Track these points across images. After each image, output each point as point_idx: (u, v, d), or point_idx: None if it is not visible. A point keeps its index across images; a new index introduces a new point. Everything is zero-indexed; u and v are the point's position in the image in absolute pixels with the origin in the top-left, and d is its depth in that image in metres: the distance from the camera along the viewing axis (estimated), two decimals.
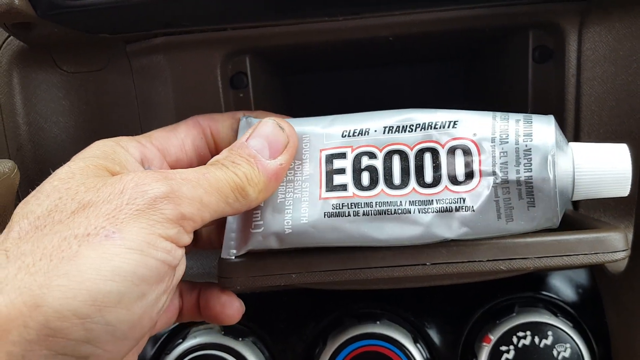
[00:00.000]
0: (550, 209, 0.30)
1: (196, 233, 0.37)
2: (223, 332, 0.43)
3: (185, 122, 0.36)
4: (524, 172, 0.30)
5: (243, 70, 0.45)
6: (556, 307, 0.43)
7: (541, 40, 0.44)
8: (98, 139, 0.33)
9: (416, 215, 0.31)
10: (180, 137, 0.35)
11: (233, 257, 0.34)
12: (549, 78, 0.44)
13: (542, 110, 0.45)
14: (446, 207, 0.31)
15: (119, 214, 0.25)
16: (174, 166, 0.35)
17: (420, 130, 0.32)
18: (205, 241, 0.38)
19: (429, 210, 0.31)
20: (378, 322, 0.42)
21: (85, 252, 0.24)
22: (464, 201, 0.31)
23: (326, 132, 0.34)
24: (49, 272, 0.23)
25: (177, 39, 0.42)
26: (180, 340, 0.42)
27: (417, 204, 0.31)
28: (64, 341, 0.23)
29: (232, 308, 0.35)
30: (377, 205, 0.32)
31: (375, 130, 0.33)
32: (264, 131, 0.33)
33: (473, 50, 0.54)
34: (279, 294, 0.45)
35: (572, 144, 0.32)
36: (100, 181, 0.27)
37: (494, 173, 0.31)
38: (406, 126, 0.33)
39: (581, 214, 0.43)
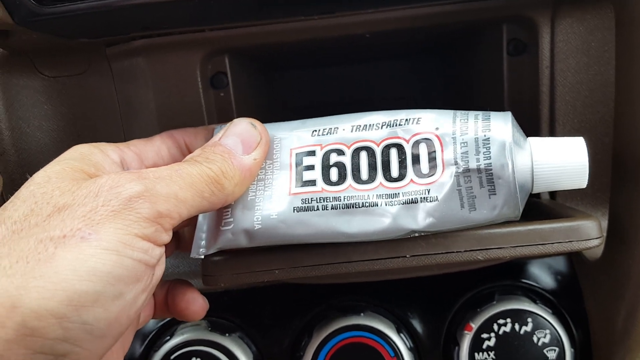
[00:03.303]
0: (511, 196, 0.31)
1: (177, 234, 0.38)
2: (210, 329, 0.43)
3: (160, 135, 0.37)
4: (484, 160, 0.31)
5: (222, 70, 0.45)
6: (536, 295, 0.44)
7: (515, 34, 0.45)
8: (81, 142, 0.33)
9: (383, 208, 0.32)
10: (156, 145, 0.36)
11: (202, 256, 0.34)
12: (524, 70, 0.45)
13: (517, 102, 0.46)
14: (411, 198, 0.32)
15: (94, 215, 0.26)
16: None
17: (386, 127, 0.33)
18: (187, 242, 0.39)
19: (395, 202, 0.32)
20: (362, 314, 0.43)
21: (61, 254, 0.24)
22: (428, 192, 0.32)
23: (297, 133, 0.35)
24: (25, 274, 0.24)
25: (156, 41, 0.42)
26: (168, 337, 0.43)
27: (383, 197, 0.32)
28: (41, 340, 0.23)
29: (196, 305, 0.36)
30: (345, 199, 0.32)
31: (344, 129, 0.34)
32: (237, 129, 0.33)
33: (449, 45, 0.55)
34: (264, 289, 0.45)
35: (530, 138, 0.33)
36: (76, 184, 0.28)
37: (455, 163, 0.32)
38: (372, 124, 0.34)
39: (557, 203, 0.44)
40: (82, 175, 0.29)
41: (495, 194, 0.31)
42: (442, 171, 0.32)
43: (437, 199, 0.32)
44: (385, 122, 0.34)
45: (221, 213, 0.34)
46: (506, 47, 0.45)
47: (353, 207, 0.32)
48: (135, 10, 0.35)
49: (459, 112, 0.33)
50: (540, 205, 0.42)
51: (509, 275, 0.45)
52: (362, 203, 0.32)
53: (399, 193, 0.32)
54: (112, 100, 0.45)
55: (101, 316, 0.25)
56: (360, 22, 0.42)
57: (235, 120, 0.34)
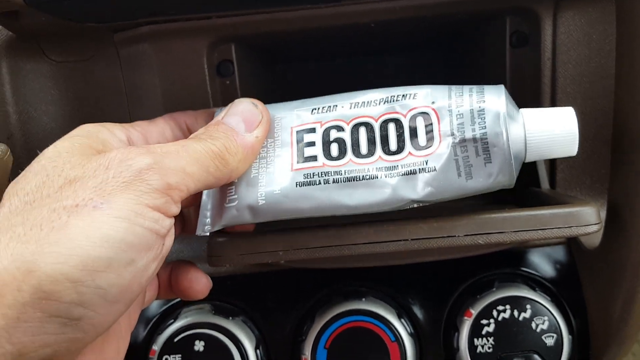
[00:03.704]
0: (506, 163, 0.32)
1: (182, 217, 0.38)
2: (214, 312, 0.44)
3: (162, 117, 0.37)
4: (479, 129, 0.32)
5: (229, 58, 0.46)
6: (535, 282, 0.45)
7: (518, 26, 0.46)
8: None
9: (383, 180, 0.33)
10: (160, 126, 0.36)
11: (207, 233, 0.35)
12: (526, 62, 0.46)
13: (520, 93, 0.47)
14: (410, 169, 0.33)
15: (105, 186, 0.26)
16: None
17: (384, 103, 0.35)
18: (192, 224, 0.39)
19: (395, 174, 0.33)
20: (364, 299, 0.43)
21: (75, 222, 0.25)
22: (426, 163, 0.33)
23: (297, 112, 0.36)
24: (40, 240, 0.24)
25: (163, 28, 0.43)
26: (172, 321, 0.44)
27: (383, 170, 0.33)
28: (56, 303, 0.24)
29: (199, 283, 0.36)
30: (346, 173, 0.33)
31: (343, 107, 0.35)
32: (239, 109, 0.34)
33: (453, 37, 0.55)
34: (267, 274, 0.46)
35: (522, 110, 0.34)
36: (86, 158, 0.28)
37: (452, 134, 0.33)
38: (370, 101, 0.35)
39: (557, 192, 0.45)
40: (91, 151, 0.30)
41: (490, 162, 0.32)
42: (440, 142, 0.33)
43: (435, 169, 0.33)
44: (383, 99, 0.35)
45: (225, 191, 0.35)
46: (509, 38, 0.46)
47: (354, 180, 0.33)
48: None
49: (454, 87, 0.34)
50: (541, 195, 0.42)
51: (508, 263, 0.46)
52: (363, 176, 0.33)
53: (397, 165, 0.33)
54: (118, 86, 0.46)
55: (114, 281, 0.25)
56: (366, 10, 0.42)
57: (237, 100, 0.35)
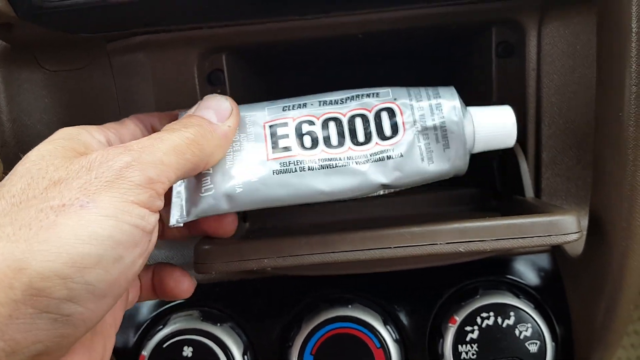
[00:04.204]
0: (461, 148, 0.37)
1: (162, 222, 0.38)
2: (202, 318, 0.44)
3: (129, 118, 0.38)
4: (439, 119, 0.36)
5: (220, 68, 0.47)
6: (519, 290, 0.45)
7: (504, 37, 0.46)
8: None
9: (354, 167, 0.36)
10: (130, 127, 0.37)
11: (182, 224, 0.35)
12: (512, 72, 0.47)
13: (505, 102, 0.47)
14: (379, 157, 0.36)
15: (89, 186, 0.27)
16: None
17: (350, 101, 0.38)
18: (172, 230, 0.40)
19: (364, 161, 0.36)
20: (350, 306, 0.44)
21: (63, 221, 0.26)
22: (393, 150, 0.36)
23: (268, 109, 0.38)
24: (29, 239, 0.25)
25: (156, 38, 0.43)
26: (161, 327, 0.44)
27: (354, 158, 0.36)
28: (47, 300, 0.25)
29: (184, 282, 0.37)
30: (320, 161, 0.36)
31: (312, 104, 0.38)
32: (209, 103, 0.35)
33: (442, 47, 0.56)
34: (255, 281, 0.46)
35: (469, 108, 0.38)
36: (68, 160, 0.29)
37: (414, 123, 0.36)
38: (337, 100, 0.38)
39: (541, 200, 0.46)
40: (72, 154, 0.30)
41: (449, 148, 0.36)
42: (404, 131, 0.36)
43: (401, 155, 0.36)
44: (348, 97, 0.38)
45: (200, 181, 0.36)
46: (495, 49, 0.47)
47: (328, 167, 0.36)
48: (135, 7, 0.36)
49: (411, 88, 0.38)
50: (525, 203, 0.43)
51: (493, 271, 0.46)
52: (336, 164, 0.36)
53: (367, 154, 0.36)
54: (111, 94, 0.47)
55: (102, 277, 0.26)
56: (355, 22, 0.43)
57: (207, 96, 0.36)
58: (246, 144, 0.36)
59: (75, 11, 0.36)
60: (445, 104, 0.37)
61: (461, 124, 0.36)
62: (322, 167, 0.36)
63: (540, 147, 0.46)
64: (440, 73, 0.60)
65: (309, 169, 0.35)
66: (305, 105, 0.38)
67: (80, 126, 0.34)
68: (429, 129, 0.36)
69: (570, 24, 0.44)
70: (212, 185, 0.35)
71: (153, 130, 0.38)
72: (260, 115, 0.38)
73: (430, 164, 0.36)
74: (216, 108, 0.35)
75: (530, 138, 0.46)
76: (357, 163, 0.36)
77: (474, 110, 0.38)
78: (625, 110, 0.35)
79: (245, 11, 0.41)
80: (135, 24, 0.42)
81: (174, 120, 0.37)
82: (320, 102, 0.38)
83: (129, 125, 0.37)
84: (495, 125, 0.38)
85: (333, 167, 0.36)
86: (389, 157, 0.36)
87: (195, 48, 0.44)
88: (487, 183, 0.49)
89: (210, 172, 0.35)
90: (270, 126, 0.37)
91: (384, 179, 0.36)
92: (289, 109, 0.38)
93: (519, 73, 0.46)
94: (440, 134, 0.36)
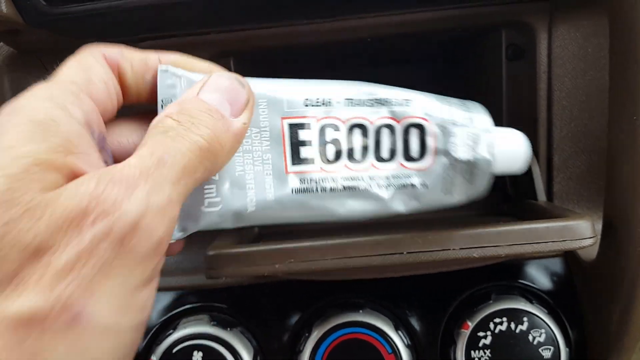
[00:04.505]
0: (483, 185, 0.33)
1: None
2: (212, 323, 0.44)
3: (87, 53, 0.27)
4: (472, 153, 0.32)
5: None
6: (532, 295, 0.45)
7: (513, 39, 0.46)
8: None
9: (376, 191, 0.32)
10: (96, 73, 0.27)
11: (174, 241, 0.30)
12: (522, 75, 0.46)
13: (516, 106, 0.47)
14: (402, 183, 0.33)
15: (83, 269, 0.19)
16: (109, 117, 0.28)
17: (379, 105, 0.33)
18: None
19: (387, 185, 0.33)
20: (361, 311, 0.43)
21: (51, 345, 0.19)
22: (417, 177, 0.33)
23: (286, 98, 0.31)
24: None
25: (162, 43, 0.43)
26: (171, 331, 0.44)
27: (376, 179, 0.32)
28: None
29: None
30: (342, 180, 0.32)
31: (338, 102, 0.32)
32: (221, 84, 0.26)
33: (452, 50, 0.56)
34: (265, 285, 0.46)
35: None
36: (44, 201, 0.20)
37: (446, 153, 0.32)
38: (365, 100, 0.33)
39: (554, 204, 0.45)
40: (48, 183, 0.21)
41: (471, 184, 0.33)
42: (434, 159, 0.33)
43: (427, 186, 0.33)
44: (378, 99, 0.33)
45: (201, 190, 0.30)
46: (505, 52, 0.46)
47: (349, 189, 0.32)
48: (142, 13, 0.36)
49: (442, 101, 0.34)
50: (537, 207, 0.43)
51: (505, 276, 0.46)
52: (357, 185, 0.32)
53: (389, 176, 0.33)
54: None
55: None
56: (363, 26, 0.43)
57: (217, 73, 0.27)
58: (259, 143, 0.30)
59: (82, 18, 0.36)
60: (482, 138, 0.32)
61: (492, 164, 0.32)
62: (344, 187, 0.32)
63: (552, 150, 0.46)
64: (450, 76, 0.60)
65: (330, 190, 0.31)
66: (330, 102, 0.32)
67: (53, 102, 0.24)
68: (460, 162, 0.32)
69: (581, 27, 0.44)
70: (218, 199, 0.30)
71: (120, 73, 0.28)
72: (277, 105, 0.31)
73: (450, 196, 0.33)
74: (231, 95, 0.26)
75: (542, 142, 0.46)
76: (378, 186, 0.32)
77: (497, 134, 0.34)
78: (639, 114, 0.35)
79: (254, 16, 0.41)
80: (143, 29, 0.42)
81: (145, 68, 0.28)
82: (347, 100, 0.32)
83: (93, 70, 0.27)
84: (511, 154, 0.34)
85: (354, 190, 0.32)
86: (412, 186, 0.32)
87: (202, 53, 0.44)
88: (497, 186, 0.48)
89: (216, 178, 0.30)
90: (290, 125, 0.31)
91: (402, 208, 0.33)
92: (312, 104, 0.31)
93: (529, 76, 0.46)
94: (468, 170, 0.32)
